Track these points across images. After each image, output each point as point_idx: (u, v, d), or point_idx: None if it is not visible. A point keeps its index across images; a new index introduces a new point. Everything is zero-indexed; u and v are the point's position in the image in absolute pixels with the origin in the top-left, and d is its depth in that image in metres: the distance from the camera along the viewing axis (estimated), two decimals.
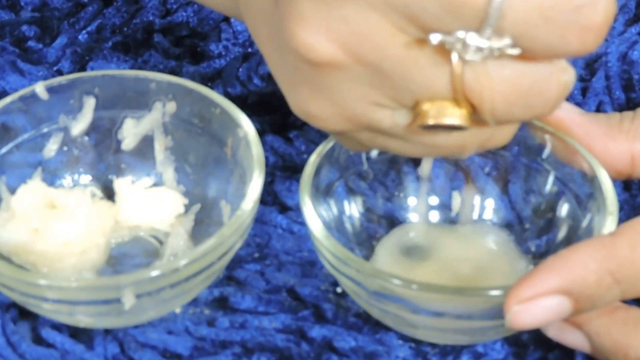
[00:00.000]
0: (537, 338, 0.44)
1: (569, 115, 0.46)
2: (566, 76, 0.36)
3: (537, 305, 0.38)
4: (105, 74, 0.48)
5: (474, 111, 0.36)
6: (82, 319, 0.42)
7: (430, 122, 0.36)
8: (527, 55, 0.34)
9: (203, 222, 0.48)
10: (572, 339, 0.41)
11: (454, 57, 0.34)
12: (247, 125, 0.45)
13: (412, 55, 0.35)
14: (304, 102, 0.38)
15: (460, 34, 0.33)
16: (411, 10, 0.33)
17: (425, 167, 0.47)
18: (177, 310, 0.45)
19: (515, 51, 0.34)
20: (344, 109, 0.37)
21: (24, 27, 0.60)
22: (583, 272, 0.38)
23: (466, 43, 0.33)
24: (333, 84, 0.36)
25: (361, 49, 0.35)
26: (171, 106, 0.48)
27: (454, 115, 0.35)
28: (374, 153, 0.47)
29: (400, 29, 0.34)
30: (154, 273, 0.40)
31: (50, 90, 0.47)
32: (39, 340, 0.44)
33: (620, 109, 0.55)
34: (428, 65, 0.35)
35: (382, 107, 0.37)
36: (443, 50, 0.34)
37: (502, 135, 0.39)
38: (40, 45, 0.59)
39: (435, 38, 0.33)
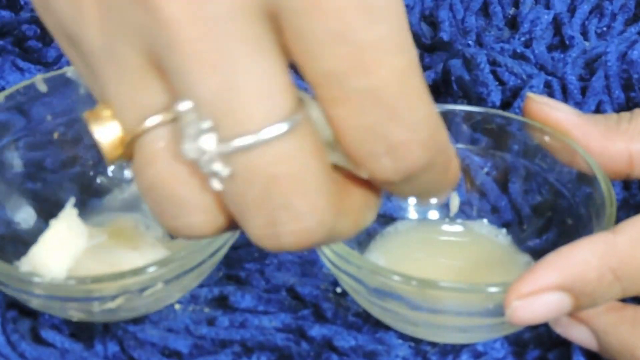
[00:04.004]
0: (536, 337, 0.44)
1: (567, 117, 0.46)
2: None
3: (537, 301, 0.38)
4: None
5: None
6: (75, 314, 0.42)
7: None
8: None
9: None
10: (579, 335, 0.41)
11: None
12: None
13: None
14: None
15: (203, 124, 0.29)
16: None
17: None
18: (177, 307, 0.45)
19: (218, 186, 0.30)
20: None
21: (24, 27, 0.60)
22: (584, 269, 0.38)
23: (198, 138, 0.29)
24: None
25: None
26: None
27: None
28: None
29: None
30: (146, 270, 0.40)
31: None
32: (38, 339, 0.44)
33: (620, 108, 0.55)
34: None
35: None
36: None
37: None
38: (40, 45, 0.59)
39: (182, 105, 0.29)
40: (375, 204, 0.32)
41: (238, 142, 0.28)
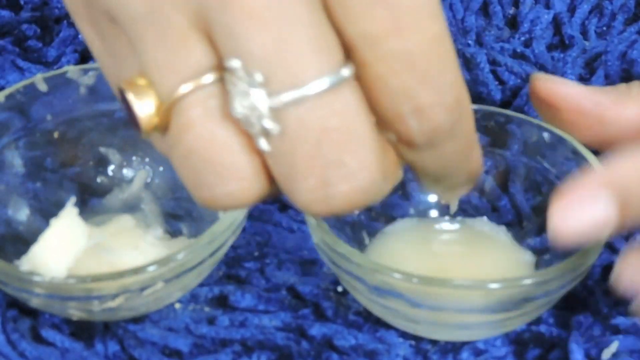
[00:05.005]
0: (537, 336, 0.44)
1: (576, 90, 0.45)
2: None
3: (581, 207, 0.36)
4: None
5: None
6: (75, 313, 0.42)
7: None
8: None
9: (198, 217, 0.48)
10: None
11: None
12: None
13: None
14: None
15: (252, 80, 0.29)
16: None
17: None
18: (177, 306, 0.45)
19: (265, 146, 0.29)
20: None
21: (24, 26, 0.60)
22: (627, 168, 0.37)
23: (249, 93, 0.29)
24: None
25: None
26: None
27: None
28: None
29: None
30: (146, 269, 0.40)
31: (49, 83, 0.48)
32: (38, 338, 0.44)
33: None
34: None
35: None
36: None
37: None
38: (40, 44, 0.59)
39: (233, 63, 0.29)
40: (402, 165, 0.33)
41: (290, 95, 0.28)
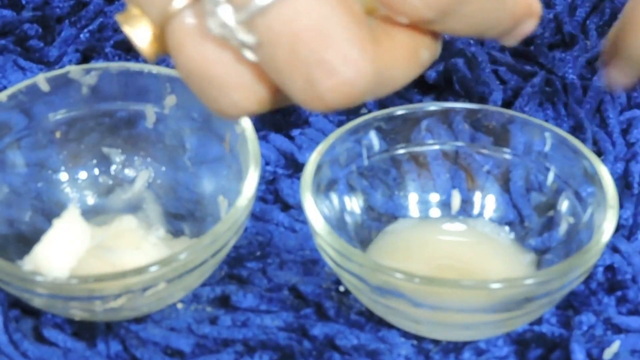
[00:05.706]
0: (538, 336, 0.44)
1: None
2: None
3: None
4: (108, 66, 0.48)
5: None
6: (77, 313, 0.42)
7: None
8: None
9: (200, 217, 0.48)
10: None
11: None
12: (244, 121, 0.45)
13: None
14: None
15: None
16: None
17: None
18: (179, 306, 0.45)
19: (251, 56, 0.30)
20: None
21: (26, 26, 0.60)
22: None
23: (216, 11, 0.30)
24: None
25: None
26: (171, 100, 0.48)
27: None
28: (375, 147, 0.47)
29: None
30: (149, 269, 0.40)
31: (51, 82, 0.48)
32: (41, 338, 0.44)
33: (622, 108, 0.55)
34: None
35: None
36: None
37: None
38: (42, 44, 0.59)
39: None
40: (432, 42, 0.33)
41: (252, 6, 0.29)
